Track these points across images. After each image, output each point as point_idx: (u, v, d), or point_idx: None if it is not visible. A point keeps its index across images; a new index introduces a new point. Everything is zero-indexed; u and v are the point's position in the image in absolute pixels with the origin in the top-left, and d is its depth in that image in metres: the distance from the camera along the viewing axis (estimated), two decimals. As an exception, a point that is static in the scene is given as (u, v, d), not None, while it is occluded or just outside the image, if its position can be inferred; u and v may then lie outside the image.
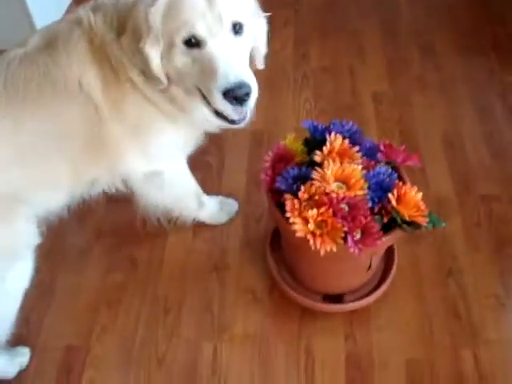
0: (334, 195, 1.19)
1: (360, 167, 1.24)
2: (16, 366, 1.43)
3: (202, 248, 1.68)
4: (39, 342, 1.51)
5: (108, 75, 1.24)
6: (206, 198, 1.68)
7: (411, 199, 1.24)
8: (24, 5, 2.30)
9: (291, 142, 1.36)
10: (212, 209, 1.70)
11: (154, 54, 1.19)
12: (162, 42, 1.18)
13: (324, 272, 1.43)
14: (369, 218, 1.19)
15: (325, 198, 1.18)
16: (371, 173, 1.25)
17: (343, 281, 1.46)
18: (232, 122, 1.26)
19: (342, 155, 1.26)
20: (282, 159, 1.32)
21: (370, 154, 1.31)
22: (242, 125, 1.28)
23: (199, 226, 1.71)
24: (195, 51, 1.18)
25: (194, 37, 1.16)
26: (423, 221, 1.24)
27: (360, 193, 1.21)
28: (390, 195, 1.22)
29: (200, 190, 1.66)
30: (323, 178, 1.21)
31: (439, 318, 1.49)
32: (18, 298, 1.32)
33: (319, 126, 1.35)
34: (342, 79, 2.16)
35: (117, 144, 1.33)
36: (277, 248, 1.55)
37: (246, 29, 1.22)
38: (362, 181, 1.22)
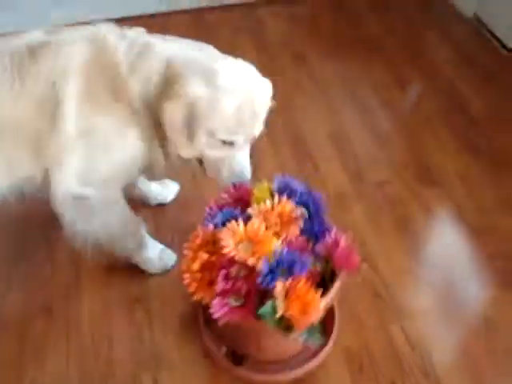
0: (228, 252, 1.13)
1: (278, 242, 1.16)
2: None
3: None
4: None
5: (94, 93, 1.30)
6: (150, 240, 1.61)
7: (304, 298, 1.10)
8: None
9: (260, 189, 1.28)
10: (152, 254, 1.60)
11: (200, 135, 1.33)
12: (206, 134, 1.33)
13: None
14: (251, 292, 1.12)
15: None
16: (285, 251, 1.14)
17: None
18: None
19: (283, 219, 1.20)
20: (240, 200, 1.29)
21: (314, 234, 1.23)
22: None
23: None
24: (226, 147, 1.36)
25: (232, 142, 1.34)
26: (300, 327, 1.12)
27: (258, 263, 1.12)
28: (278, 283, 1.10)
29: (142, 230, 1.58)
30: (232, 232, 1.16)
31: (363, 301, 1.55)
32: None
33: (286, 182, 1.30)
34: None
35: (60, 150, 1.33)
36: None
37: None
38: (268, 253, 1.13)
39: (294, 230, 1.20)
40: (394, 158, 1.96)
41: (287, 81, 2.28)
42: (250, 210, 1.22)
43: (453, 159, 1.94)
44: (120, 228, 1.50)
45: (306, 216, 1.24)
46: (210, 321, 1.35)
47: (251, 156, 1.44)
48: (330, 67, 2.35)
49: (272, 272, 1.11)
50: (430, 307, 1.54)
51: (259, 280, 1.11)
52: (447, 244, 1.72)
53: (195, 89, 1.28)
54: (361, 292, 1.57)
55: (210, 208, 1.31)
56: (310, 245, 1.22)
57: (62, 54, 1.31)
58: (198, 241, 1.21)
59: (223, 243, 1.15)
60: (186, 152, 1.39)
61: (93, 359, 1.45)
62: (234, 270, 1.15)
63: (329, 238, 1.21)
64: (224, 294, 1.13)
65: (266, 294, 1.13)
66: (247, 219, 1.19)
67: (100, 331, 1.51)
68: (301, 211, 1.23)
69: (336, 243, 1.20)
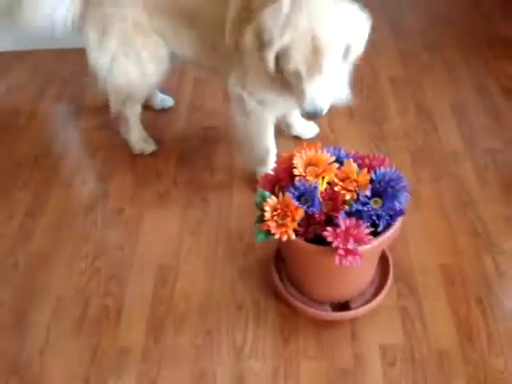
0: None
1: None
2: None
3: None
4: (136, 262, 1.82)
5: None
6: (272, 161, 1.95)
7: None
8: None
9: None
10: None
11: (269, 57, 1.54)
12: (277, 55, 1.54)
13: (332, 281, 1.55)
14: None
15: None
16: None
17: (351, 287, 1.60)
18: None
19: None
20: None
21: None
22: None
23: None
24: (298, 75, 1.54)
25: (297, 71, 1.53)
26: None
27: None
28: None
29: (273, 152, 1.96)
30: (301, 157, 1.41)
31: (462, 235, 1.83)
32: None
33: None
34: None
35: (229, 54, 1.75)
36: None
37: (337, 68, 1.56)
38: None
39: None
40: (506, 132, 2.21)
41: (420, 62, 2.61)
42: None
43: None
44: (259, 141, 1.91)
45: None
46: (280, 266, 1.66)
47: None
48: (460, 55, 2.64)
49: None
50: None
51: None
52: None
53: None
54: (462, 227, 1.86)
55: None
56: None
57: None
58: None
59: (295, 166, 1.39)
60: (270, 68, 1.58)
61: (237, 240, 1.87)
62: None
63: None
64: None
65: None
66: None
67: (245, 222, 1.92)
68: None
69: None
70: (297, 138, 2.22)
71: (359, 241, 1.30)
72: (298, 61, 1.50)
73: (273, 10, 1.51)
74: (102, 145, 2.27)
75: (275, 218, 1.32)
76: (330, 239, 1.30)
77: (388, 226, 1.40)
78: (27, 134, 2.36)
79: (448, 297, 1.66)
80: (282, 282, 1.65)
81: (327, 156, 1.40)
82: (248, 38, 1.59)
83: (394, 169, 1.41)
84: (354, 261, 1.29)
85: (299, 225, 1.35)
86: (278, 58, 1.54)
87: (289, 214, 1.32)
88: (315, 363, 1.53)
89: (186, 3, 1.80)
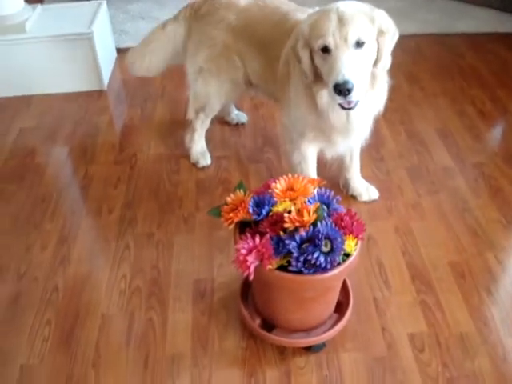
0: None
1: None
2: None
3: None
4: (172, 279, 1.96)
5: None
6: None
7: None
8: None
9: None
10: None
11: (303, 53, 1.73)
12: (309, 47, 1.71)
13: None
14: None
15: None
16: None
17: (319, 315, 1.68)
18: (342, 107, 1.72)
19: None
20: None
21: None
22: (351, 110, 1.73)
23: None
24: (326, 55, 1.66)
25: (325, 46, 1.65)
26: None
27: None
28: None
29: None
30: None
31: (464, 236, 2.06)
32: None
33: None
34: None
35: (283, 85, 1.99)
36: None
37: (366, 45, 1.65)
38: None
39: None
40: (489, 149, 2.49)
41: (403, 93, 2.91)
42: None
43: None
44: (298, 167, 2.09)
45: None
46: (247, 298, 1.75)
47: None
48: (437, 84, 2.94)
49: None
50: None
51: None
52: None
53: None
54: (463, 230, 2.08)
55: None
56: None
57: None
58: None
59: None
60: (306, 69, 1.76)
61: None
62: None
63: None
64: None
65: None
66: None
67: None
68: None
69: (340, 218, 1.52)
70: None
71: (260, 257, 1.44)
72: (324, 33, 1.62)
73: (305, 20, 1.76)
74: (122, 178, 2.41)
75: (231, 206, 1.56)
76: (238, 246, 1.46)
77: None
78: (47, 172, 2.48)
79: (460, 289, 1.86)
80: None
81: (306, 184, 1.55)
82: (284, 55, 1.83)
83: (337, 231, 1.46)
84: (245, 270, 1.44)
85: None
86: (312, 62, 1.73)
87: (240, 208, 1.53)
88: (353, 354, 1.69)
89: (261, 31, 2.05)
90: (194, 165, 2.45)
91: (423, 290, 1.87)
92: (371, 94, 1.81)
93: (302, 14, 1.95)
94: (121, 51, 3.32)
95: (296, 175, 2.01)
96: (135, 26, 3.62)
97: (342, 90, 1.62)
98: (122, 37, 3.47)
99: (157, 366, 1.69)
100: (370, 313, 1.80)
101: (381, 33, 1.70)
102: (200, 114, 2.36)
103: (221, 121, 2.69)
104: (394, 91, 2.68)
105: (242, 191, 1.60)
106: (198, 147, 2.45)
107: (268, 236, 1.47)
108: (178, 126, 2.66)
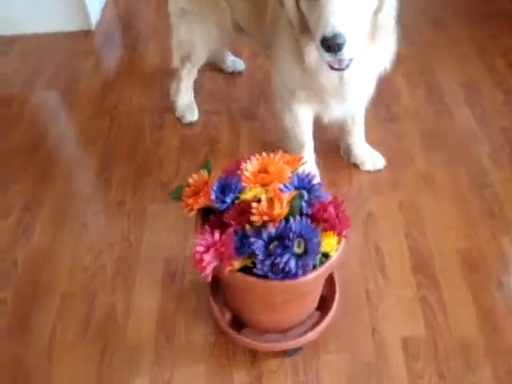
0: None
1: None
2: None
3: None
4: (141, 258, 1.74)
5: None
6: (310, 155, 1.85)
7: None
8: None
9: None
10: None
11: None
12: None
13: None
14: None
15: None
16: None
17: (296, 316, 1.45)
18: (332, 67, 1.42)
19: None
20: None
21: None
22: (343, 71, 1.44)
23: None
24: (314, 1, 1.34)
25: None
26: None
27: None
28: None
29: (308, 147, 1.84)
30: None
31: (479, 217, 1.77)
32: None
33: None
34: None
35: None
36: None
37: None
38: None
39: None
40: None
41: (425, 38, 2.52)
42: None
43: None
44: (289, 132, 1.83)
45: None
46: (218, 288, 1.50)
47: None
48: (465, 30, 2.55)
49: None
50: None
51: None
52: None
53: None
54: (479, 209, 1.80)
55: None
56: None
57: None
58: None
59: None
60: (291, 16, 1.44)
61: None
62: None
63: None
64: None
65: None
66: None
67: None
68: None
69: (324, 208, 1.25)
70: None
71: (220, 257, 1.21)
72: None
73: None
74: (100, 134, 2.17)
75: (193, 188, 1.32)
76: (198, 239, 1.22)
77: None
78: (21, 125, 2.25)
79: (468, 284, 1.61)
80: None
81: (283, 166, 1.28)
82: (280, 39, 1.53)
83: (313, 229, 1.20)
84: (201, 271, 1.21)
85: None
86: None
87: (201, 193, 1.29)
88: (335, 358, 1.47)
89: None
90: (179, 119, 2.17)
91: (425, 284, 1.61)
92: (371, 48, 1.49)
93: None
94: (115, -16, 3.01)
95: (288, 138, 1.84)
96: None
97: (331, 45, 1.31)
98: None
99: (115, 358, 1.51)
100: (360, 308, 1.57)
101: None
102: (186, 62, 2.08)
103: (214, 68, 2.38)
104: (414, 36, 2.35)
105: (206, 172, 1.34)
106: (184, 100, 2.18)
107: (231, 231, 1.22)
108: (168, 73, 2.35)
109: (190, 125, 2.17)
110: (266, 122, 2.16)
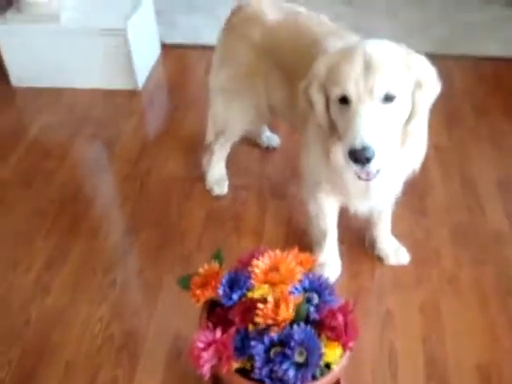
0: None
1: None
2: None
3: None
4: (150, 332, 1.72)
5: None
6: (329, 248, 1.82)
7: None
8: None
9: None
10: (324, 259, 1.83)
11: (317, 98, 1.40)
12: (324, 92, 1.38)
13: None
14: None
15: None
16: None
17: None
18: (359, 177, 1.40)
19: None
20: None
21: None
22: (369, 181, 1.42)
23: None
24: (344, 107, 1.32)
25: (344, 97, 1.31)
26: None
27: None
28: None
29: (331, 238, 1.81)
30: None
31: (503, 328, 1.69)
32: None
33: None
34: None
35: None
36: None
37: (397, 99, 1.31)
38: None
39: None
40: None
41: (466, 128, 2.48)
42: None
43: None
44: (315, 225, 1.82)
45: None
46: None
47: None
48: (510, 121, 2.51)
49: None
50: None
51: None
52: None
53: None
54: (503, 319, 1.71)
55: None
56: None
57: None
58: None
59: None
60: (320, 121, 1.44)
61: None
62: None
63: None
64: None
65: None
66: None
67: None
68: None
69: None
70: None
71: (219, 356, 1.17)
72: (345, 80, 1.29)
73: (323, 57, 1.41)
74: (130, 196, 2.20)
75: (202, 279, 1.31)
76: (199, 334, 1.20)
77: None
78: (55, 180, 2.30)
79: (484, 404, 1.51)
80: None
81: (295, 266, 1.25)
82: (300, 92, 1.48)
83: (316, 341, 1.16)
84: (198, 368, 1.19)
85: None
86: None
87: (209, 286, 1.28)
88: None
89: (288, 56, 1.75)
90: (209, 191, 2.19)
91: (438, 397, 1.53)
92: (400, 153, 1.46)
93: (336, 39, 1.62)
94: (166, 47, 3.11)
95: (311, 225, 1.81)
96: (187, 19, 3.35)
97: (358, 157, 1.28)
98: (169, 30, 3.21)
99: None
100: (365, 417, 1.50)
101: (418, 85, 1.35)
102: (220, 136, 2.10)
103: (249, 142, 2.40)
104: (455, 124, 2.32)
105: (217, 262, 1.33)
106: (215, 172, 2.19)
107: (232, 331, 1.20)
108: (203, 143, 2.39)
109: (218, 198, 2.17)
110: (294, 201, 2.14)
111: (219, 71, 1.97)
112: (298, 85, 1.54)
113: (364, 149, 1.26)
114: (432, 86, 1.37)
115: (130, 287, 1.86)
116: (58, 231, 2.06)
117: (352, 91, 1.30)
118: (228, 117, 2.01)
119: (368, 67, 1.29)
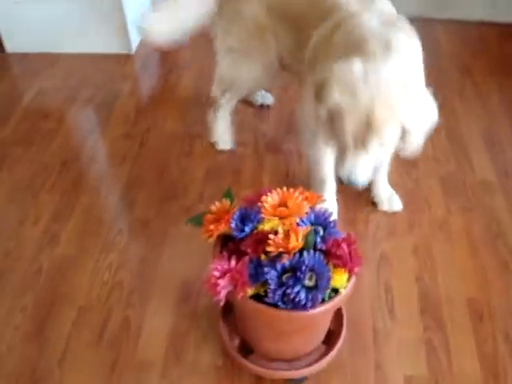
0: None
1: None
2: None
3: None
4: (158, 277, 1.80)
5: None
6: (328, 197, 1.89)
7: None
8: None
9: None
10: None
11: (321, 112, 1.54)
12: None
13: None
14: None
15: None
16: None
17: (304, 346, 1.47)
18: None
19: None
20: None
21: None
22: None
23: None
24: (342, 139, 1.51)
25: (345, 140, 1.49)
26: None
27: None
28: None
29: (329, 184, 1.88)
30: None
31: (492, 268, 1.80)
32: None
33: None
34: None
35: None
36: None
37: (388, 145, 1.50)
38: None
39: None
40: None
41: (452, 88, 2.59)
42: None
43: None
44: (311, 163, 1.91)
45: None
46: (229, 312, 1.53)
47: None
48: (494, 80, 2.62)
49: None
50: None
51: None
52: None
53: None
54: (491, 260, 1.83)
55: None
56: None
57: None
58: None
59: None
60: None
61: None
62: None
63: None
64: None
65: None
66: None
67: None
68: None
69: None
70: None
71: (234, 283, 1.26)
72: (347, 131, 1.46)
73: (340, 70, 1.47)
74: (130, 154, 2.26)
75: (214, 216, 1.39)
76: (214, 264, 1.28)
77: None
78: (56, 139, 2.36)
79: (474, 332, 1.63)
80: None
81: (301, 202, 1.34)
82: (309, 88, 1.60)
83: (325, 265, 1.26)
84: (215, 295, 1.27)
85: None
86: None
87: (222, 221, 1.35)
88: (337, 390, 1.50)
89: (296, 8, 1.82)
90: (213, 145, 2.26)
91: (431, 327, 1.64)
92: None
93: None
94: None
95: (310, 174, 1.90)
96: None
97: (348, 185, 1.56)
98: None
99: (124, 371, 1.55)
100: (366, 345, 1.60)
101: (406, 132, 1.49)
102: (226, 93, 2.15)
103: (243, 101, 2.46)
104: (442, 84, 2.41)
105: (228, 200, 1.41)
106: (221, 126, 2.24)
107: (246, 259, 1.28)
108: (201, 102, 2.45)
109: (217, 153, 2.24)
110: (290, 156, 2.22)
111: (226, 33, 2.00)
112: (306, 34, 1.71)
113: (355, 183, 1.54)
114: (418, 134, 1.52)
115: (136, 237, 1.93)
116: (63, 186, 2.12)
117: (350, 142, 1.48)
118: (236, 76, 2.06)
119: (369, 127, 1.44)
